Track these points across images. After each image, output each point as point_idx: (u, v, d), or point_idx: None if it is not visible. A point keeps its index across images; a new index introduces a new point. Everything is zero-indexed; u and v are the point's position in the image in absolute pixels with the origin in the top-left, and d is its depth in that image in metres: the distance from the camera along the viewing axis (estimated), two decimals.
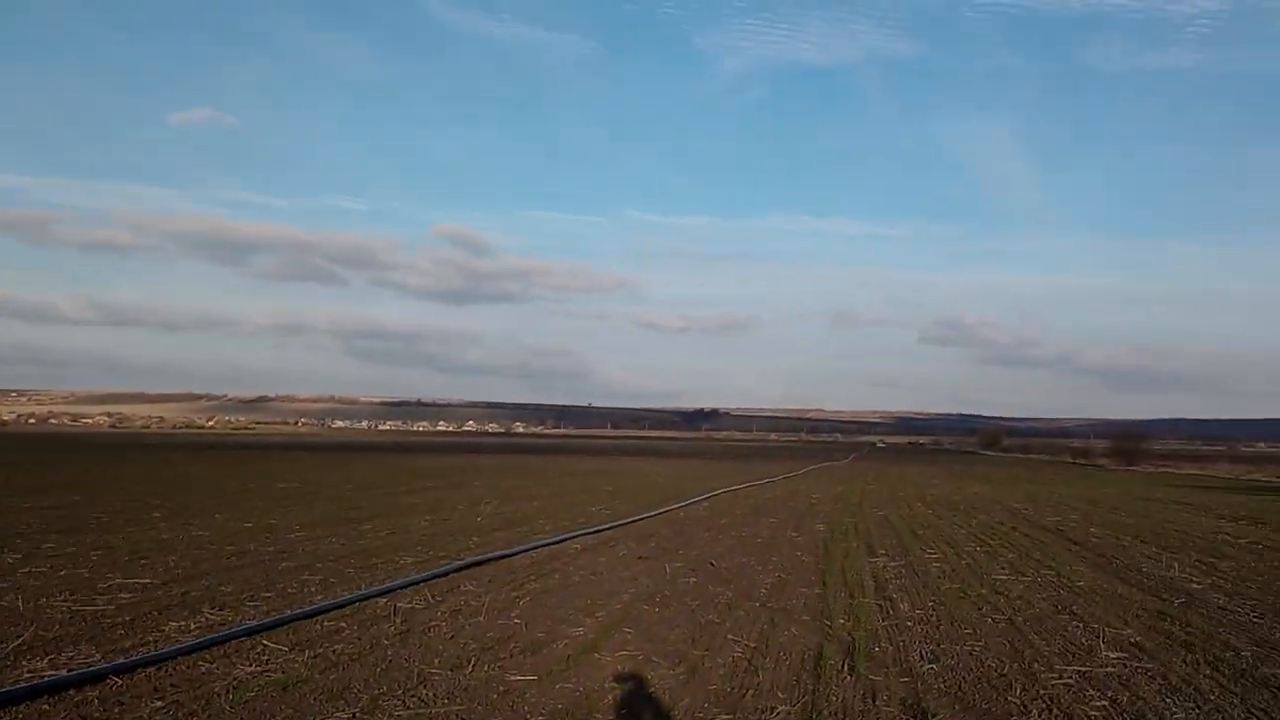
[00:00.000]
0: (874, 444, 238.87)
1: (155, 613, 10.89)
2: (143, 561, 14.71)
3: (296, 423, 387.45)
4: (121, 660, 8.62)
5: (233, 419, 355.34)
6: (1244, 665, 9.34)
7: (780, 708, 7.77)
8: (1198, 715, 7.71)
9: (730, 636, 10.37)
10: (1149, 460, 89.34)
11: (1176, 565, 16.71)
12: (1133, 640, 10.44)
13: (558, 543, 18.29)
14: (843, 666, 9.08)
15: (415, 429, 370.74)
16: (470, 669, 8.76)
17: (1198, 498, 37.49)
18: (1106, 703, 8.02)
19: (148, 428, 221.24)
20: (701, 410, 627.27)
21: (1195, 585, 14.52)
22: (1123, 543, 20.21)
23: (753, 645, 9.94)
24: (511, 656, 9.26)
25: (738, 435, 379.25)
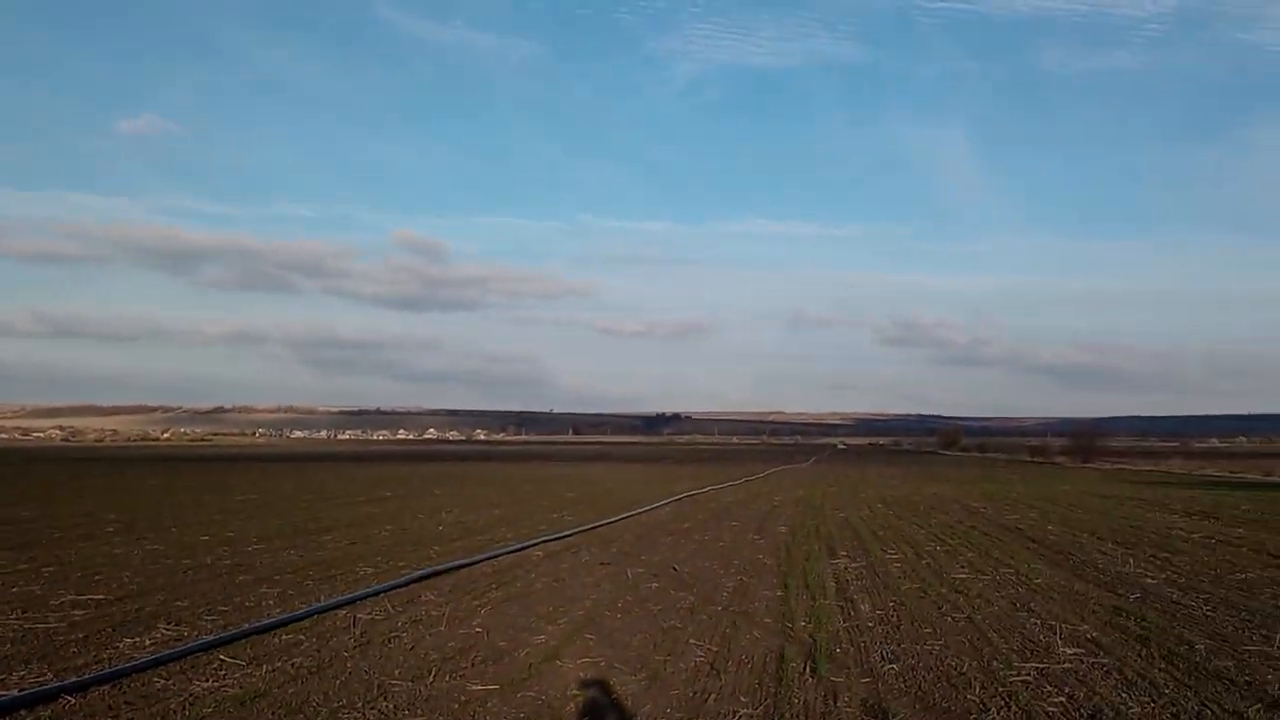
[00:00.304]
0: (835, 445, 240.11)
1: (109, 629, 10.75)
2: (96, 577, 14.51)
3: (254, 434, 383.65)
4: (74, 679, 8.50)
5: (188, 431, 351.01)
6: (1198, 659, 9.49)
7: (742, 711, 7.80)
8: (1153, 709, 7.83)
9: (692, 641, 10.39)
10: (1104, 457, 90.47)
11: (1132, 561, 16.95)
12: (1089, 636, 10.57)
13: (519, 550, 18.24)
14: (804, 669, 9.12)
15: (375, 438, 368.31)
16: (431, 679, 8.72)
17: (1152, 494, 38.01)
18: (1064, 699, 8.12)
19: (101, 441, 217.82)
20: (663, 414, 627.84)
21: (1150, 580, 14.73)
22: (1079, 540, 20.45)
23: (715, 649, 9.97)
24: (473, 666, 9.23)
25: (699, 439, 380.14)
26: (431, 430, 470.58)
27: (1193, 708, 7.86)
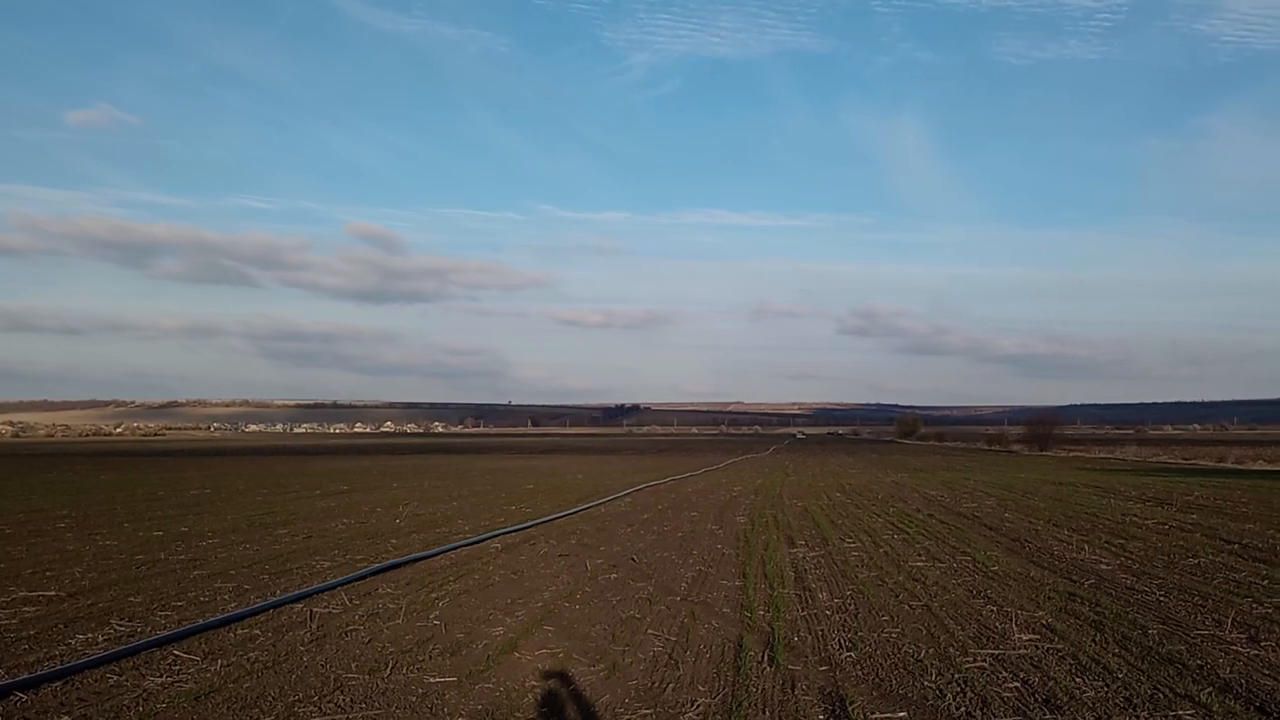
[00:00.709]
0: (794, 435, 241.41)
1: (61, 625, 10.62)
2: (48, 573, 14.34)
3: (208, 428, 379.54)
4: (26, 675, 8.40)
5: (141, 425, 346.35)
6: (1150, 643, 9.62)
7: (700, 700, 7.82)
8: (1106, 693, 7.93)
9: (651, 631, 10.41)
10: (1061, 445, 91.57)
11: (1087, 547, 17.15)
12: (1045, 622, 10.69)
13: (478, 542, 18.19)
14: (762, 657, 9.17)
15: (331, 431, 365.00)
16: (388, 672, 8.68)
17: (1107, 481, 38.48)
18: (1019, 684, 8.21)
19: (52, 436, 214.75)
20: (622, 406, 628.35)
21: (1104, 566, 14.92)
22: (1035, 527, 20.68)
23: (673, 639, 10.00)
24: (430, 658, 9.20)
25: (659, 430, 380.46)
26: (389, 423, 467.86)
27: (1145, 691, 7.97)
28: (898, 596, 12.44)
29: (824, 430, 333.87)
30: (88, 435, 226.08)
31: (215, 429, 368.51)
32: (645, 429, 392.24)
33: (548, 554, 16.71)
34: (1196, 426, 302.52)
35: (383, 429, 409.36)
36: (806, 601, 12.12)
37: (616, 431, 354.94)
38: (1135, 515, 22.97)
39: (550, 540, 18.68)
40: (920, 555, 16.36)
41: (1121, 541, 17.97)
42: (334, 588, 13.12)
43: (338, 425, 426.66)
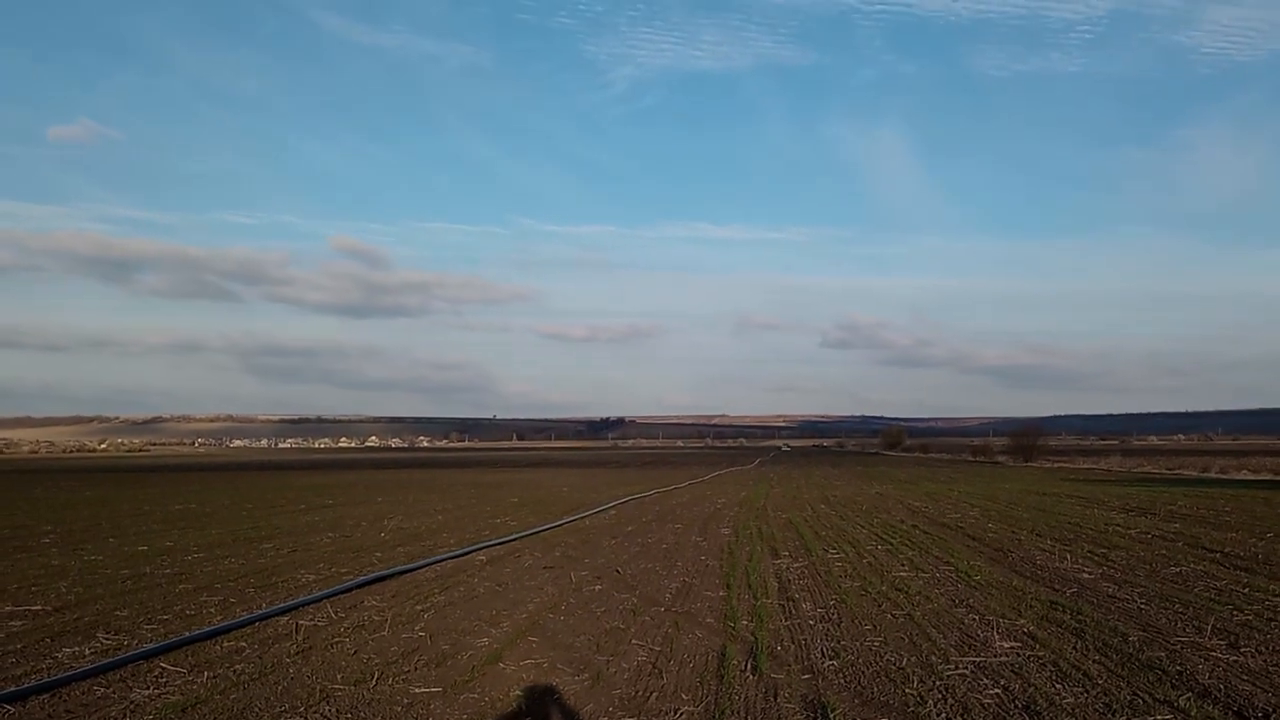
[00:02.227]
0: (779, 447, 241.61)
1: (47, 639, 10.65)
2: (34, 588, 14.35)
3: (193, 443, 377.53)
4: (13, 688, 8.44)
5: (126, 441, 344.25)
6: (1131, 650, 9.75)
7: (684, 709, 7.91)
8: (1086, 699, 8.05)
9: (635, 642, 10.49)
10: (1045, 456, 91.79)
11: (1069, 557, 17.30)
12: (1026, 630, 10.82)
13: (462, 555, 18.24)
14: (745, 667, 9.26)
15: (316, 446, 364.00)
16: (374, 683, 8.74)
17: (1091, 491, 38.68)
18: (1000, 691, 8.32)
19: (36, 453, 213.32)
20: (607, 419, 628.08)
21: (1087, 575, 15.06)
22: (1019, 537, 20.82)
23: (657, 649, 10.08)
24: (416, 669, 9.26)
25: (644, 443, 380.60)
26: (374, 438, 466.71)
27: (1125, 697, 8.09)
28: (880, 606, 12.55)
29: (809, 443, 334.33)
30: (71, 451, 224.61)
31: (199, 444, 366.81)
32: (630, 442, 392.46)
33: (532, 566, 16.77)
34: (1181, 437, 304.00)
35: (367, 444, 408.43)
36: (790, 611, 12.22)
37: (601, 445, 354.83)
38: (1118, 525, 23.15)
39: (535, 553, 18.73)
40: (904, 565, 16.48)
41: (1104, 551, 18.13)
42: (319, 600, 13.16)
43: (322, 440, 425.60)
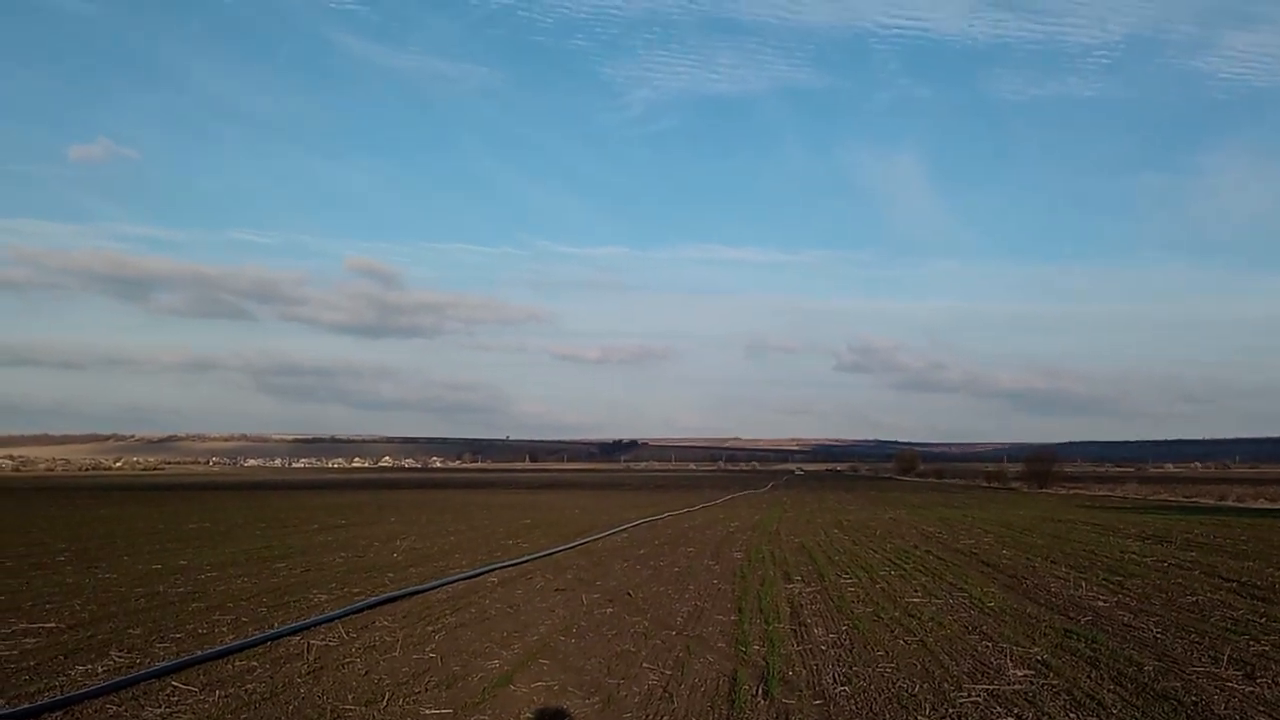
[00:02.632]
0: (792, 471, 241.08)
1: (61, 657, 10.68)
2: (48, 606, 14.39)
3: (207, 462, 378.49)
4: (26, 705, 8.47)
5: (141, 460, 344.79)
6: (1146, 679, 9.67)
7: None
8: None
9: (646, 665, 10.46)
10: (1060, 482, 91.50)
11: (1085, 584, 17.19)
12: (1040, 658, 10.74)
13: (474, 576, 18.23)
14: (757, 691, 9.21)
15: (330, 466, 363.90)
16: (384, 704, 8.73)
17: (1106, 518, 38.50)
18: (1012, 719, 8.26)
19: (52, 470, 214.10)
20: (620, 441, 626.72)
21: (1102, 604, 14.96)
22: (1033, 564, 20.72)
23: (668, 673, 10.05)
24: (426, 690, 9.25)
25: (656, 466, 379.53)
26: (387, 458, 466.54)
27: None
28: (893, 632, 12.49)
29: (822, 467, 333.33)
30: (87, 469, 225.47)
31: (214, 463, 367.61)
32: (643, 465, 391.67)
33: (544, 588, 16.74)
34: (1198, 464, 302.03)
35: (380, 464, 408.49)
36: (802, 636, 12.17)
37: (614, 467, 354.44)
38: (1134, 553, 23.01)
39: (547, 575, 18.71)
40: (917, 591, 16.41)
41: (1119, 579, 18.02)
42: (331, 620, 13.16)
43: (336, 460, 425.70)
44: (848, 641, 11.83)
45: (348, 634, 12.22)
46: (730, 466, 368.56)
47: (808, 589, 16.71)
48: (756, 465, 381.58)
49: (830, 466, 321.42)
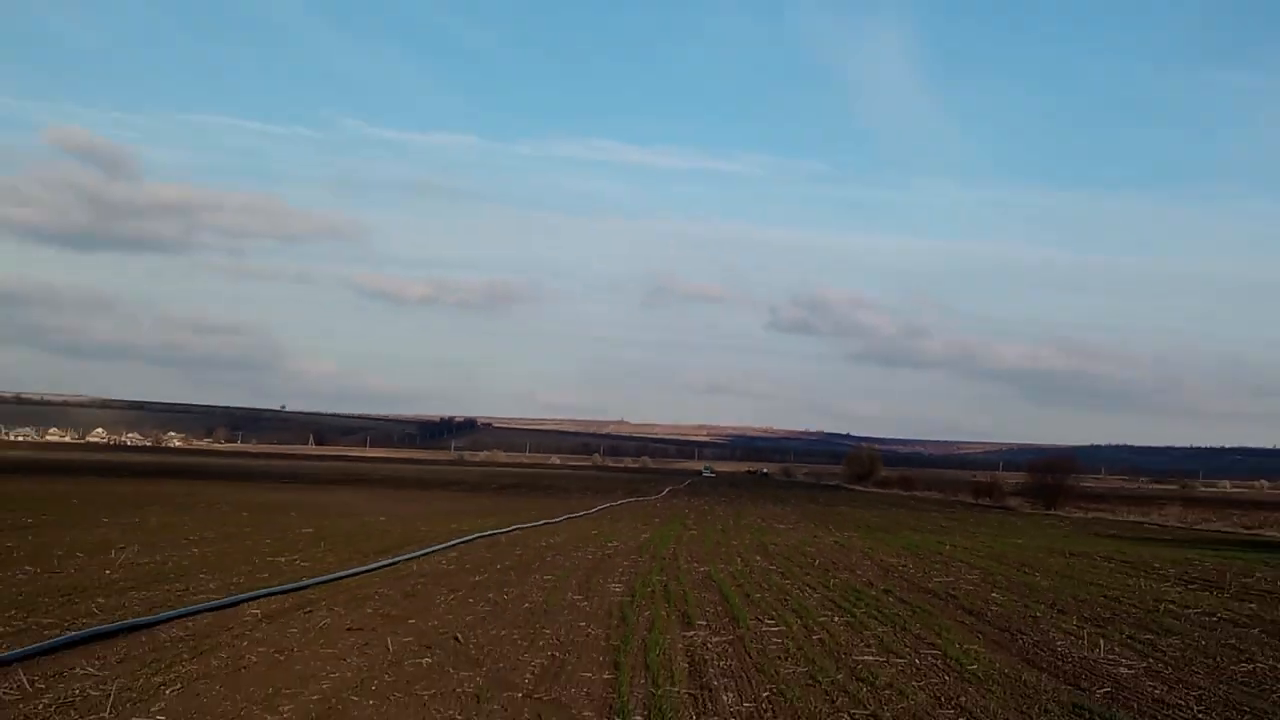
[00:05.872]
0: (700, 472, 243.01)
1: None
2: None
3: None
4: None
5: None
6: None
7: None
8: None
9: None
10: (1076, 502, 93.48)
11: (1103, 643, 17.65)
12: None
13: (227, 606, 18.05)
14: None
15: (12, 439, 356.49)
16: None
17: (1137, 553, 39.47)
18: None
19: None
20: (451, 420, 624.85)
21: (1125, 670, 15.38)
22: (1034, 613, 21.21)
23: None
24: None
25: (502, 458, 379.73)
26: (100, 430, 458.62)
27: None
28: (834, 702, 12.67)
29: (743, 468, 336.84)
30: None
31: None
32: (483, 454, 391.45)
33: (331, 626, 16.65)
34: (1264, 483, 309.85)
35: (90, 438, 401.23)
36: (704, 704, 12.28)
37: (441, 457, 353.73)
38: (1172, 601, 23.66)
39: (336, 608, 18.62)
40: (870, 646, 16.69)
41: (1152, 637, 18.52)
42: (6, 664, 12.90)
43: (20, 430, 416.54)
44: (769, 713, 11.98)
45: (32, 684, 11.99)
46: (612, 463, 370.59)
47: (715, 638, 16.89)
48: (649, 462, 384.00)
49: (755, 467, 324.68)
